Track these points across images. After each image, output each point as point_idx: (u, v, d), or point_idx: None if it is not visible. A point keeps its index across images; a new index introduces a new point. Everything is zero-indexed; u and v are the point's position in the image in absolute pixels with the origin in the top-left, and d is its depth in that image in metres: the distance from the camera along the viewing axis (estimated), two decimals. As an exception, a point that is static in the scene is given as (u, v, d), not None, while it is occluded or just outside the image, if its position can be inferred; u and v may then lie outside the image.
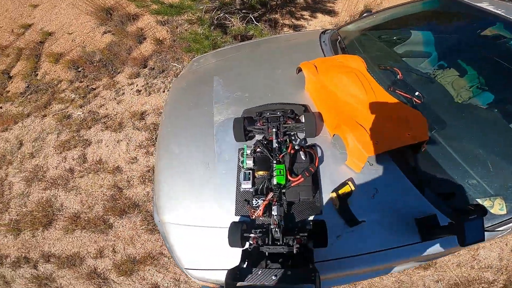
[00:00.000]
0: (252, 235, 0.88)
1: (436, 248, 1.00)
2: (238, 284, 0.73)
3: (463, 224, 0.78)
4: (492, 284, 1.97)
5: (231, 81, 1.53)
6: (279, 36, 2.03)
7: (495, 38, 1.76)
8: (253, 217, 0.95)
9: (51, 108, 2.79)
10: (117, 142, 2.42)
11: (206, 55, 1.99)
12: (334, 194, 1.03)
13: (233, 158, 1.16)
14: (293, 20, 3.15)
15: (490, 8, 1.64)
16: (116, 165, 2.29)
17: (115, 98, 2.75)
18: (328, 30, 1.96)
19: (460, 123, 1.30)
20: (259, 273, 0.72)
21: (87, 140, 2.46)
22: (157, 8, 2.57)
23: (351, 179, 1.07)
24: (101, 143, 2.43)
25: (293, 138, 1.18)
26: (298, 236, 0.88)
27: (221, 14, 2.99)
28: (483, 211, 0.82)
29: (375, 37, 1.89)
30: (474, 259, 2.04)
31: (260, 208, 0.93)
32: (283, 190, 0.99)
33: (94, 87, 2.90)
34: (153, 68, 2.97)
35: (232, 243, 0.88)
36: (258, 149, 1.06)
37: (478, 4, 1.68)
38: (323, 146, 1.16)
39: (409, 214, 1.02)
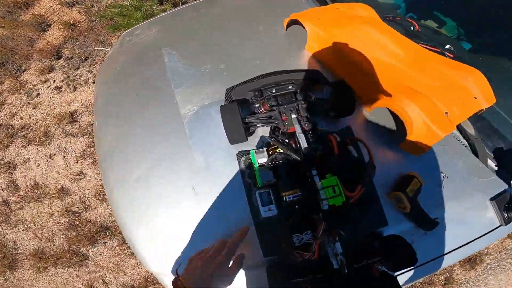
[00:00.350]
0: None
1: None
2: None
3: None
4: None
5: (191, 50, 1.02)
6: None
7: None
8: (299, 259, 0.54)
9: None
10: (50, 158, 1.87)
11: (141, 25, 1.39)
12: (401, 195, 0.69)
13: (231, 170, 0.70)
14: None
15: None
16: (59, 186, 1.82)
17: (28, 103, 2.05)
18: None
19: (501, 79, 1.06)
20: None
21: (9, 162, 1.91)
22: None
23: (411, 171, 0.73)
24: (29, 162, 1.90)
25: (317, 123, 0.75)
26: (368, 265, 0.58)
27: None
28: None
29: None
30: None
31: (314, 249, 0.52)
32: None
33: None
34: (71, 57, 2.22)
35: None
36: (278, 150, 0.61)
37: None
38: (358, 127, 0.78)
39: (483, 195, 0.80)
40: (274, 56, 0.94)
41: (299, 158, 0.59)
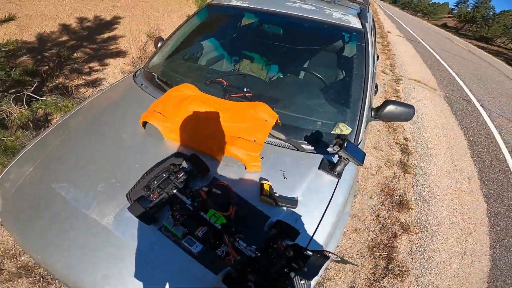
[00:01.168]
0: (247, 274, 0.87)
1: (351, 175, 1.34)
2: None
3: (347, 151, 1.13)
4: (396, 176, 2.83)
5: (80, 178, 1.22)
6: (90, 100, 1.72)
7: (256, 26, 2.37)
8: (232, 262, 0.92)
9: None
10: None
11: (11, 166, 1.43)
12: (263, 197, 1.12)
13: (164, 241, 1.02)
14: (84, 77, 2.80)
15: (238, 3, 2.17)
16: None
17: None
18: (136, 72, 1.93)
19: (281, 93, 1.73)
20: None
21: None
22: None
23: (262, 179, 1.22)
24: None
25: (191, 186, 1.16)
26: (276, 245, 0.94)
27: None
28: (344, 137, 1.18)
29: (181, 59, 2.06)
30: (366, 169, 2.90)
31: (231, 252, 0.92)
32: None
33: None
34: None
35: None
36: (178, 215, 0.99)
37: (230, 3, 2.18)
38: (220, 173, 1.24)
39: (313, 168, 1.30)
40: (145, 154, 1.28)
41: (189, 212, 1.00)
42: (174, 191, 1.05)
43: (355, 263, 1.17)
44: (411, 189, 2.92)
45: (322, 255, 0.84)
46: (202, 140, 1.28)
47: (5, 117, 2.34)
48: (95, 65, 2.85)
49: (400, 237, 2.35)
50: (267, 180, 1.20)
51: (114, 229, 1.06)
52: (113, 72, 2.89)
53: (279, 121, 1.44)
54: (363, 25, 1.89)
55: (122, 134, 1.38)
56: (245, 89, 1.61)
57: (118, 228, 1.06)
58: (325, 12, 2.08)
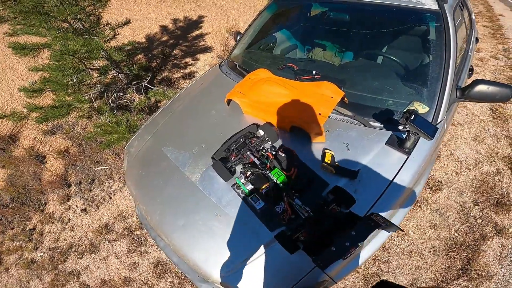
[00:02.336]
0: (298, 233, 1.02)
1: (423, 153, 1.30)
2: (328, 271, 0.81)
3: (415, 124, 1.10)
4: (500, 174, 2.48)
5: (180, 143, 1.62)
6: (187, 87, 2.21)
7: (322, 14, 2.42)
8: (287, 219, 1.09)
9: (6, 261, 2.32)
10: (105, 260, 2.20)
11: (134, 137, 1.99)
12: (324, 164, 1.23)
13: (233, 196, 1.27)
14: (182, 71, 3.42)
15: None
16: (122, 277, 2.11)
17: (64, 228, 2.44)
18: (221, 62, 2.28)
19: (353, 75, 1.76)
20: (333, 249, 0.82)
21: (73, 271, 2.18)
22: (40, 116, 2.31)
23: (325, 149, 1.32)
24: (90, 267, 2.20)
25: (263, 150, 1.38)
26: (330, 208, 1.04)
27: (113, 95, 2.98)
28: (412, 111, 1.15)
29: (257, 50, 2.31)
30: (461, 162, 2.58)
31: (287, 209, 1.08)
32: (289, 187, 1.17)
33: (32, 228, 2.48)
34: (80, 183, 2.71)
35: (292, 250, 0.99)
36: (248, 173, 1.22)
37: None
38: (288, 142, 1.41)
39: (381, 143, 1.31)
40: (228, 126, 1.57)
41: (258, 170, 1.21)
42: (248, 152, 1.28)
43: (403, 230, 1.14)
44: None
45: (372, 221, 0.86)
46: (273, 113, 1.47)
47: (130, 103, 3.12)
48: (189, 60, 3.44)
49: (490, 240, 2.01)
50: (330, 150, 1.30)
51: (199, 184, 1.38)
52: (203, 65, 3.42)
53: (346, 99, 1.50)
54: (441, 6, 1.72)
55: (211, 111, 1.72)
56: (313, 72, 1.71)
57: (202, 183, 1.37)
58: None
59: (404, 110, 1.43)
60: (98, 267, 2.19)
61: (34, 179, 2.77)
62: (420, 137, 1.18)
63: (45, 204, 2.64)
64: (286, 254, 1.05)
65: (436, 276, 1.85)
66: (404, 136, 1.27)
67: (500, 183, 2.45)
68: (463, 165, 2.63)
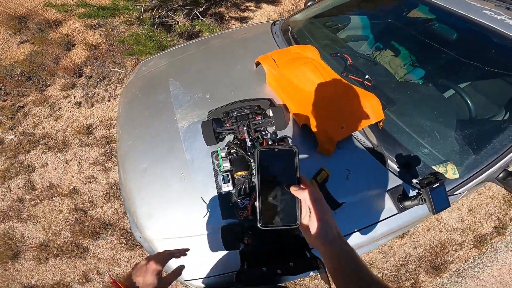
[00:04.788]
0: (244, 235, 0.87)
1: (411, 217, 1.11)
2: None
3: (430, 193, 0.88)
4: (462, 245, 2.30)
5: (189, 82, 1.45)
6: (230, 30, 1.98)
7: (423, 20, 1.98)
8: (242, 218, 0.94)
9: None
10: (66, 163, 2.17)
11: (154, 57, 1.86)
12: (312, 181, 1.06)
13: (207, 164, 1.12)
14: (239, 13, 3.12)
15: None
16: (72, 187, 2.08)
17: (51, 115, 2.43)
18: (277, 21, 1.99)
19: (406, 99, 1.45)
20: (264, 270, 0.72)
21: (29, 165, 2.18)
22: (85, 12, 2.26)
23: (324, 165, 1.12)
24: (47, 166, 2.17)
25: (263, 133, 1.18)
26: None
27: (163, 12, 2.81)
28: (441, 178, 0.94)
29: (321, 25, 1.98)
30: (440, 223, 2.36)
31: (248, 208, 0.92)
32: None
33: (22, 105, 2.50)
34: (91, 76, 2.67)
35: (228, 247, 0.87)
36: (233, 150, 1.04)
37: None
38: (293, 137, 1.19)
39: (382, 188, 1.12)
40: (244, 87, 1.37)
41: (244, 153, 1.02)
42: (245, 128, 1.08)
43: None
44: (464, 263, 2.29)
45: (315, 264, 0.75)
46: (296, 99, 1.24)
47: (173, 24, 2.93)
48: (251, 5, 3.12)
49: None
50: (328, 169, 1.09)
51: (182, 133, 1.23)
52: (262, 16, 3.10)
53: (381, 124, 1.23)
54: None
55: (237, 65, 1.51)
56: (366, 76, 1.42)
57: (185, 134, 1.22)
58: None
59: (433, 172, 1.16)
60: (55, 169, 2.15)
61: (53, 61, 2.75)
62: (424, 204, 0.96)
63: (48, 86, 2.64)
64: (221, 246, 0.93)
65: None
66: (411, 195, 1.08)
67: (454, 252, 2.33)
68: (439, 226, 2.47)
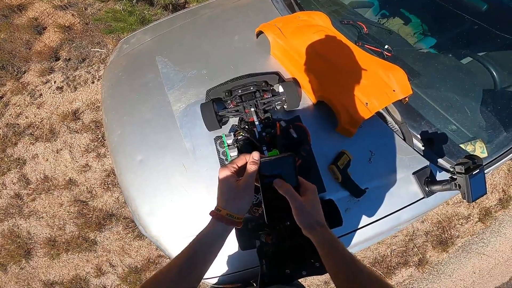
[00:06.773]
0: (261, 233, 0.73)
1: (435, 202, 1.00)
2: None
3: (471, 181, 0.75)
4: (468, 219, 2.28)
5: (180, 58, 1.24)
6: None
7: None
8: (257, 214, 0.79)
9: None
10: (57, 153, 2.03)
11: (136, 33, 1.59)
12: (333, 166, 0.93)
13: (211, 151, 0.96)
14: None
15: None
16: (67, 178, 1.98)
17: (32, 103, 2.21)
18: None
19: (430, 71, 1.29)
20: (287, 272, 0.62)
21: (19, 158, 2.04)
22: None
23: (345, 148, 0.98)
24: (38, 158, 2.04)
25: (271, 112, 1.00)
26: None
27: (143, -18, 2.49)
28: (480, 163, 0.80)
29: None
30: None
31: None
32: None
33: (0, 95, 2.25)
34: (69, 59, 2.39)
35: (244, 246, 0.72)
36: (240, 136, 0.87)
37: None
38: (306, 116, 1.03)
39: (407, 170, 1.00)
40: (245, 61, 1.18)
41: (254, 140, 0.85)
42: (252, 109, 0.91)
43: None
44: (469, 237, 2.33)
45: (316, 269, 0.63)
46: (309, 73, 1.05)
47: (156, -5, 2.61)
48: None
49: (406, 268, 2.10)
50: (349, 152, 0.95)
51: (178, 118, 1.05)
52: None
53: (407, 99, 1.07)
54: None
55: (235, 36, 1.29)
56: (386, 46, 1.24)
57: (182, 118, 1.05)
58: None
59: (462, 149, 1.05)
60: (47, 160, 2.01)
61: (24, 46, 2.47)
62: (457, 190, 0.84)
63: (24, 73, 2.38)
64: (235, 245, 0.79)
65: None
66: (439, 177, 0.98)
67: (460, 226, 2.34)
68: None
